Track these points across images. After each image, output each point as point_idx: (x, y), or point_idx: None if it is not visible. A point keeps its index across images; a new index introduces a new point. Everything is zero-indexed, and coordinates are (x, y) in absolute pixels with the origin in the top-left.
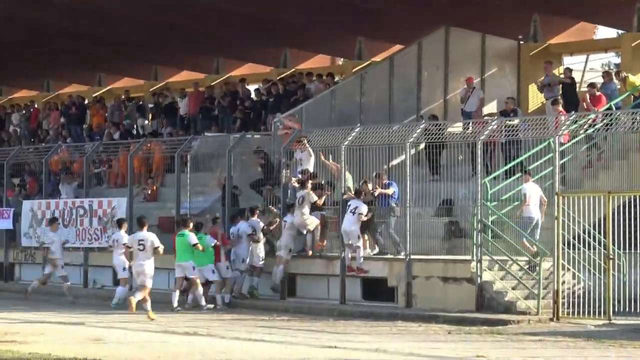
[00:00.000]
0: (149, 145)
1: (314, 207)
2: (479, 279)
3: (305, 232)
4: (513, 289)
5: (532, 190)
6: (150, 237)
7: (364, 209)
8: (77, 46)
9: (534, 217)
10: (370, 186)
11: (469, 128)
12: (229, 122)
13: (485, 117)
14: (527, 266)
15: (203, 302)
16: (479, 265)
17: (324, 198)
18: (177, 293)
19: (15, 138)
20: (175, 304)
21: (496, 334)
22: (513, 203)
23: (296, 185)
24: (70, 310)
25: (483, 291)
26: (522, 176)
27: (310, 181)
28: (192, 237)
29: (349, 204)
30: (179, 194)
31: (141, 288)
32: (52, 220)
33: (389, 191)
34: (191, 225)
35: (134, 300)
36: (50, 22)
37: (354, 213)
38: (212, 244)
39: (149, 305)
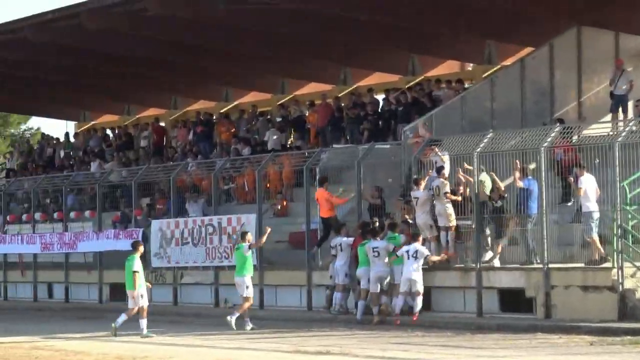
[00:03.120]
0: (274, 159)
1: None
2: (620, 286)
3: (441, 229)
4: None
5: (589, 183)
6: (384, 245)
7: (424, 250)
8: (203, 62)
9: (593, 211)
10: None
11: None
12: (358, 133)
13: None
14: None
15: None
16: (620, 272)
17: (459, 194)
18: (362, 303)
19: (145, 157)
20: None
21: None
22: None
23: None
24: (200, 331)
25: (625, 299)
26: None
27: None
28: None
29: (407, 249)
30: (309, 208)
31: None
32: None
33: (520, 184)
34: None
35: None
36: (176, 38)
37: (415, 257)
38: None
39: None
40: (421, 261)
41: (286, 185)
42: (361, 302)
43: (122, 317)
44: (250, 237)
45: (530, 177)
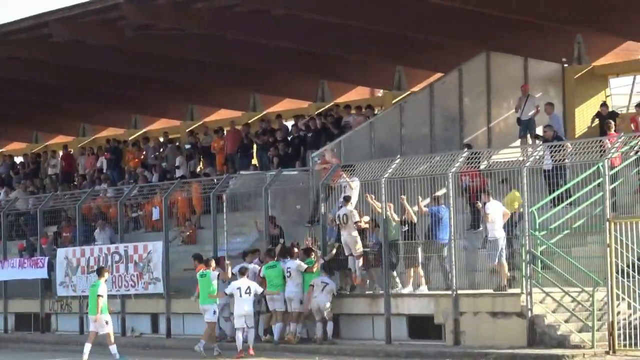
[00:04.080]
0: (182, 186)
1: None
2: (529, 312)
3: (350, 256)
4: (566, 321)
5: (495, 210)
6: (296, 264)
7: (257, 287)
8: (112, 89)
9: (499, 238)
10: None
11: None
12: (267, 159)
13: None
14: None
15: None
16: (529, 298)
17: (366, 220)
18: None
19: (52, 185)
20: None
21: None
22: (563, 231)
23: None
24: None
25: (534, 325)
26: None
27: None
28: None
29: (238, 286)
30: (216, 235)
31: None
32: None
33: (424, 209)
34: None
35: None
36: (84, 65)
37: (249, 293)
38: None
39: None
40: (253, 297)
41: (198, 212)
42: (278, 325)
43: (87, 347)
44: (213, 264)
45: (442, 205)
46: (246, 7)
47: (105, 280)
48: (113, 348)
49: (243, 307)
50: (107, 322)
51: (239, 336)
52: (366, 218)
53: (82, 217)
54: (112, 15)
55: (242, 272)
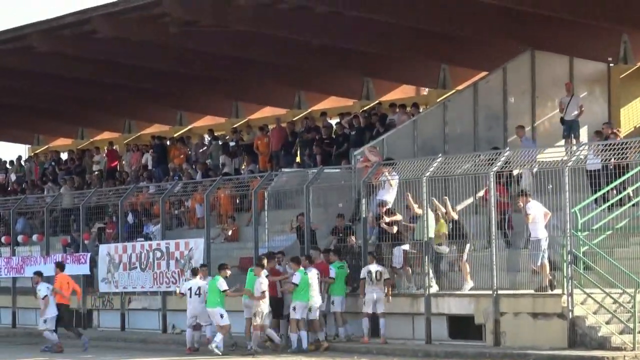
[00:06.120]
0: (224, 183)
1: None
2: (570, 313)
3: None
4: (607, 323)
5: (536, 210)
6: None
7: (205, 286)
8: (157, 86)
9: (541, 238)
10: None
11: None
12: (311, 157)
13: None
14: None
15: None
16: (570, 299)
17: (397, 219)
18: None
19: (97, 181)
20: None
21: None
22: (605, 232)
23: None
24: (144, 357)
25: (575, 327)
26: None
27: (386, 217)
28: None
29: (189, 286)
30: (257, 233)
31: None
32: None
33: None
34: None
35: None
36: (129, 61)
37: (199, 294)
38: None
39: None
40: (203, 296)
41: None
42: (303, 333)
43: (219, 337)
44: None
45: None
46: (289, 4)
47: (226, 277)
48: (219, 336)
49: (192, 307)
50: (222, 315)
51: (188, 333)
52: (398, 217)
53: (125, 214)
54: (155, 11)
55: (194, 272)
